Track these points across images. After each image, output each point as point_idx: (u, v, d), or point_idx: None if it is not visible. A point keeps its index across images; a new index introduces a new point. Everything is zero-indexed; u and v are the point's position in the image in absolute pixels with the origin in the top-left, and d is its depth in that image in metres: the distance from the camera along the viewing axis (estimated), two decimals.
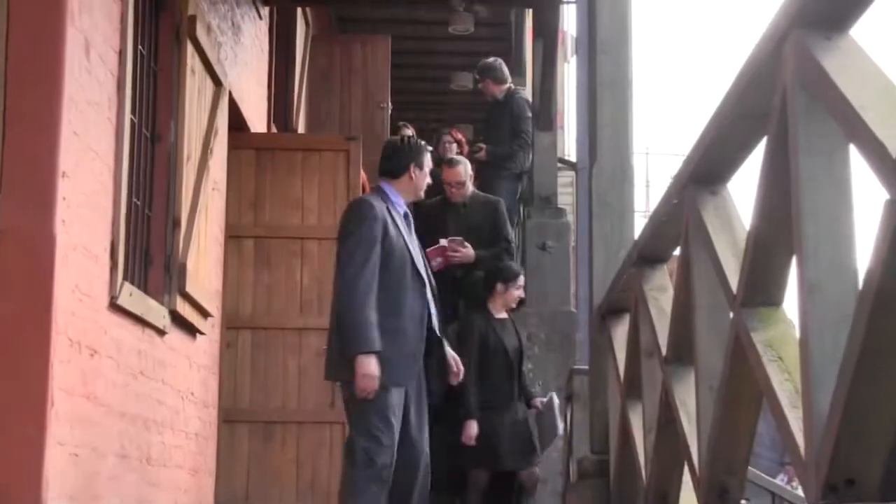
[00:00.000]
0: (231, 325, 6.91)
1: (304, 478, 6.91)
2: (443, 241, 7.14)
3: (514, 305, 6.78)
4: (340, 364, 4.83)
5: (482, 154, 9.08)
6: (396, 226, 5.00)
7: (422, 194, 5.35)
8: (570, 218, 8.48)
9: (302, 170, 7.22)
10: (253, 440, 6.91)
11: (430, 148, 5.37)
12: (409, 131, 10.24)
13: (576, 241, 8.68)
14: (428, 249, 7.10)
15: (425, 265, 5.14)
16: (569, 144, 14.76)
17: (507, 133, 9.01)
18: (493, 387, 6.27)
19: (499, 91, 9.19)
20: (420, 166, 5.17)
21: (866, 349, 1.92)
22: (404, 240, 5.01)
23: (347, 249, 4.91)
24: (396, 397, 4.85)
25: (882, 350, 1.91)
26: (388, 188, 5.14)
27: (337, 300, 4.89)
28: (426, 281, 5.08)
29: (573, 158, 11.11)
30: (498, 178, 9.14)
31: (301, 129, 9.21)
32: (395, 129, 10.11)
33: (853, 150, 2.10)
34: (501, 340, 6.51)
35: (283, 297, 7.05)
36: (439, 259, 7.14)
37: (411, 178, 5.15)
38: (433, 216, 7.04)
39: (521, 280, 6.59)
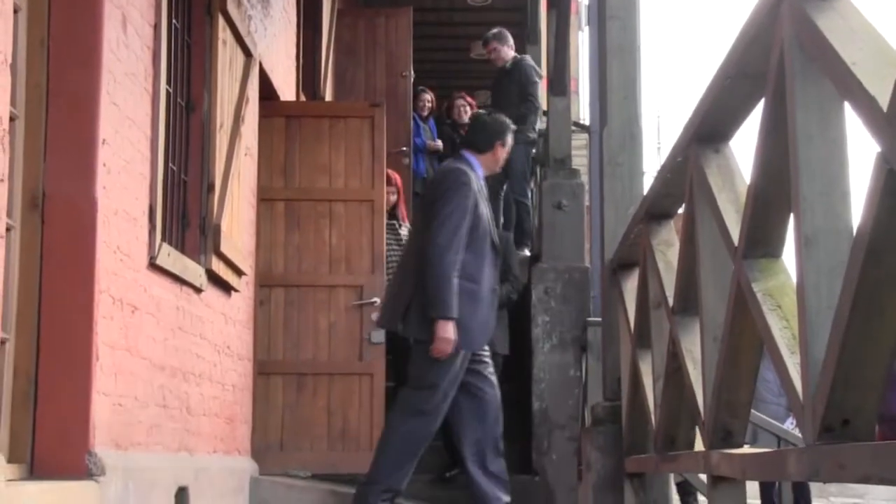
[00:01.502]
0: (264, 283, 6.94)
1: (335, 426, 6.95)
2: None
3: None
4: (418, 321, 4.87)
5: None
6: (483, 197, 5.06)
7: (498, 169, 5.40)
8: (585, 179, 8.44)
9: (329, 136, 7.21)
10: (287, 391, 6.96)
11: (513, 127, 5.39)
12: (429, 95, 10.26)
13: (589, 200, 8.66)
14: None
15: (496, 238, 5.21)
16: (583, 109, 14.69)
17: (516, 98, 8.99)
18: None
19: (508, 57, 9.20)
20: (504, 144, 5.26)
21: (859, 297, 1.91)
22: (486, 210, 5.07)
23: (443, 214, 4.90)
24: (461, 361, 4.94)
25: (873, 298, 1.90)
26: (473, 159, 5.16)
27: (427, 262, 4.84)
28: (498, 253, 5.16)
29: (587, 122, 11.04)
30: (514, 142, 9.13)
31: (328, 97, 9.20)
32: (416, 94, 10.12)
33: (847, 107, 2.08)
34: None
35: (312, 257, 7.06)
36: None
37: (495, 154, 5.21)
38: None
39: None
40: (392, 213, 7.37)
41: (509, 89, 9.09)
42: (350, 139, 7.23)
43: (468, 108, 9.94)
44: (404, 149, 9.60)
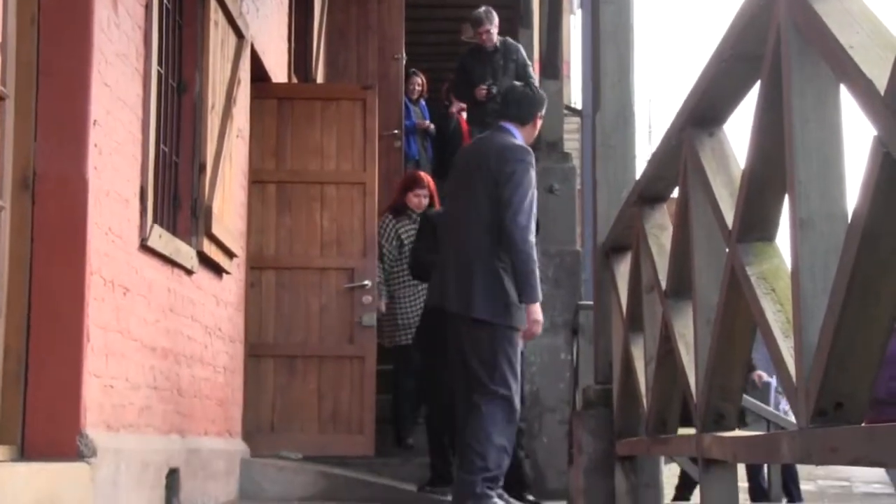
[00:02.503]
0: (255, 265, 6.92)
1: (326, 408, 6.95)
2: None
3: None
4: (488, 303, 4.80)
5: None
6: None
7: (531, 142, 5.35)
8: (577, 163, 8.44)
9: (321, 118, 7.19)
10: (278, 373, 6.95)
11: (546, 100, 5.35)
12: (420, 78, 10.23)
13: (581, 184, 8.65)
14: None
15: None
16: (575, 92, 14.68)
17: (513, 79, 8.91)
18: None
19: (496, 37, 9.13)
20: (541, 116, 5.22)
21: (854, 281, 1.91)
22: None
23: (519, 196, 4.79)
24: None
25: (869, 282, 1.90)
26: (516, 132, 5.08)
27: (515, 247, 4.76)
28: (539, 231, 5.15)
29: (579, 106, 11.03)
30: None
31: (320, 79, 9.17)
32: (407, 77, 10.09)
33: (843, 90, 2.07)
34: None
35: (303, 239, 7.06)
36: None
37: (534, 125, 5.17)
38: None
39: None
40: None
41: (507, 69, 9.02)
42: (342, 122, 7.21)
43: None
44: (396, 132, 9.57)
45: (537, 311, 4.82)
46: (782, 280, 2.48)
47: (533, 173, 4.91)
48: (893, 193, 1.79)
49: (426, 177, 7.35)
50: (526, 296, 4.78)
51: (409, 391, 7.16)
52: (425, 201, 7.12)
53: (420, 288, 6.90)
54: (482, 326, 4.82)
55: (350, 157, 7.17)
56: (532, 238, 4.83)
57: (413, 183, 7.25)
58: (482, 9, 9.27)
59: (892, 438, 1.79)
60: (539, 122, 5.20)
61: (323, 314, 7.02)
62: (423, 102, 10.33)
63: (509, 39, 9.26)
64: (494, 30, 9.14)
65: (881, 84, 1.73)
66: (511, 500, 5.02)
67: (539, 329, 4.86)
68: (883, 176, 1.78)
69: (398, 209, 7.27)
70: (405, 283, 7.17)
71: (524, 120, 5.08)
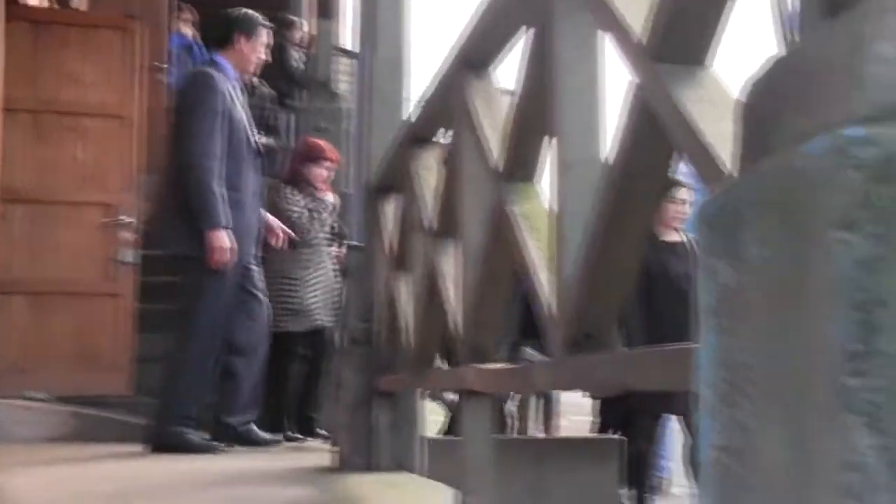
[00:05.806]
0: (6, 198, 6.66)
1: (80, 347, 6.80)
2: None
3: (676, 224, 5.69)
4: (185, 236, 4.74)
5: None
6: (234, 98, 4.94)
7: (251, 69, 5.17)
8: (354, 105, 8.47)
9: (81, 46, 6.95)
10: (29, 311, 6.74)
11: (268, 24, 5.19)
12: (190, 14, 10.00)
13: (356, 126, 8.68)
14: None
15: (257, 140, 5.12)
16: (349, 34, 14.67)
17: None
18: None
19: None
20: (249, 36, 5.05)
21: (607, 219, 2.07)
22: (242, 112, 4.97)
23: (193, 121, 4.74)
24: (232, 272, 4.88)
25: (620, 219, 2.06)
26: (221, 60, 5.02)
27: (186, 175, 4.71)
28: (260, 155, 5.08)
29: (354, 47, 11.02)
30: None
31: (84, 7, 8.83)
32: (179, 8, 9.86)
33: (606, 39, 2.22)
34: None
35: (59, 172, 6.83)
36: None
37: (237, 46, 5.04)
38: None
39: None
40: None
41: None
42: (103, 51, 7.01)
43: None
44: (163, 65, 9.33)
45: (218, 238, 4.74)
46: (542, 219, 2.63)
47: (216, 97, 4.82)
48: (646, 138, 1.94)
49: (333, 151, 6.53)
50: (202, 221, 4.74)
51: None
52: (333, 176, 6.44)
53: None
54: (181, 261, 4.85)
55: (110, 88, 6.97)
56: (210, 163, 4.76)
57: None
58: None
59: (637, 361, 1.96)
60: (246, 44, 5.05)
61: (78, 250, 6.84)
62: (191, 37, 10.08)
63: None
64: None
65: (638, 32, 1.87)
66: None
67: (222, 256, 4.77)
68: (638, 121, 1.93)
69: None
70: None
71: (220, 42, 5.05)
